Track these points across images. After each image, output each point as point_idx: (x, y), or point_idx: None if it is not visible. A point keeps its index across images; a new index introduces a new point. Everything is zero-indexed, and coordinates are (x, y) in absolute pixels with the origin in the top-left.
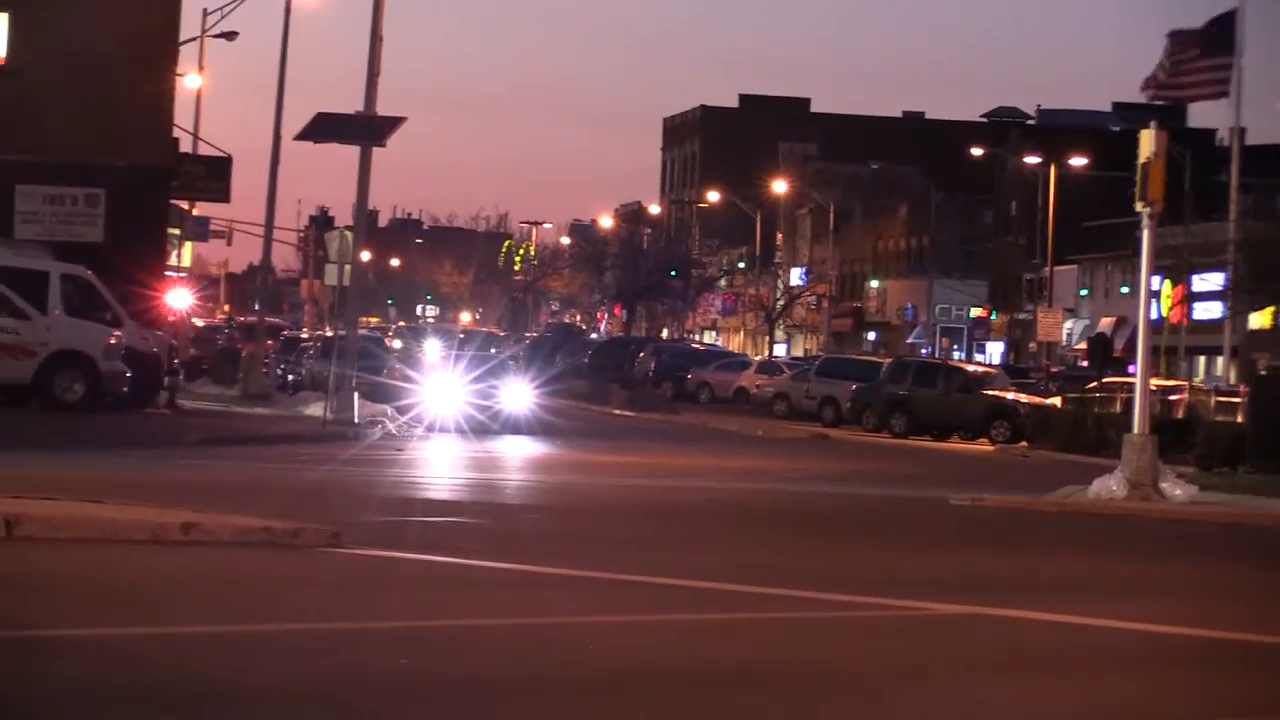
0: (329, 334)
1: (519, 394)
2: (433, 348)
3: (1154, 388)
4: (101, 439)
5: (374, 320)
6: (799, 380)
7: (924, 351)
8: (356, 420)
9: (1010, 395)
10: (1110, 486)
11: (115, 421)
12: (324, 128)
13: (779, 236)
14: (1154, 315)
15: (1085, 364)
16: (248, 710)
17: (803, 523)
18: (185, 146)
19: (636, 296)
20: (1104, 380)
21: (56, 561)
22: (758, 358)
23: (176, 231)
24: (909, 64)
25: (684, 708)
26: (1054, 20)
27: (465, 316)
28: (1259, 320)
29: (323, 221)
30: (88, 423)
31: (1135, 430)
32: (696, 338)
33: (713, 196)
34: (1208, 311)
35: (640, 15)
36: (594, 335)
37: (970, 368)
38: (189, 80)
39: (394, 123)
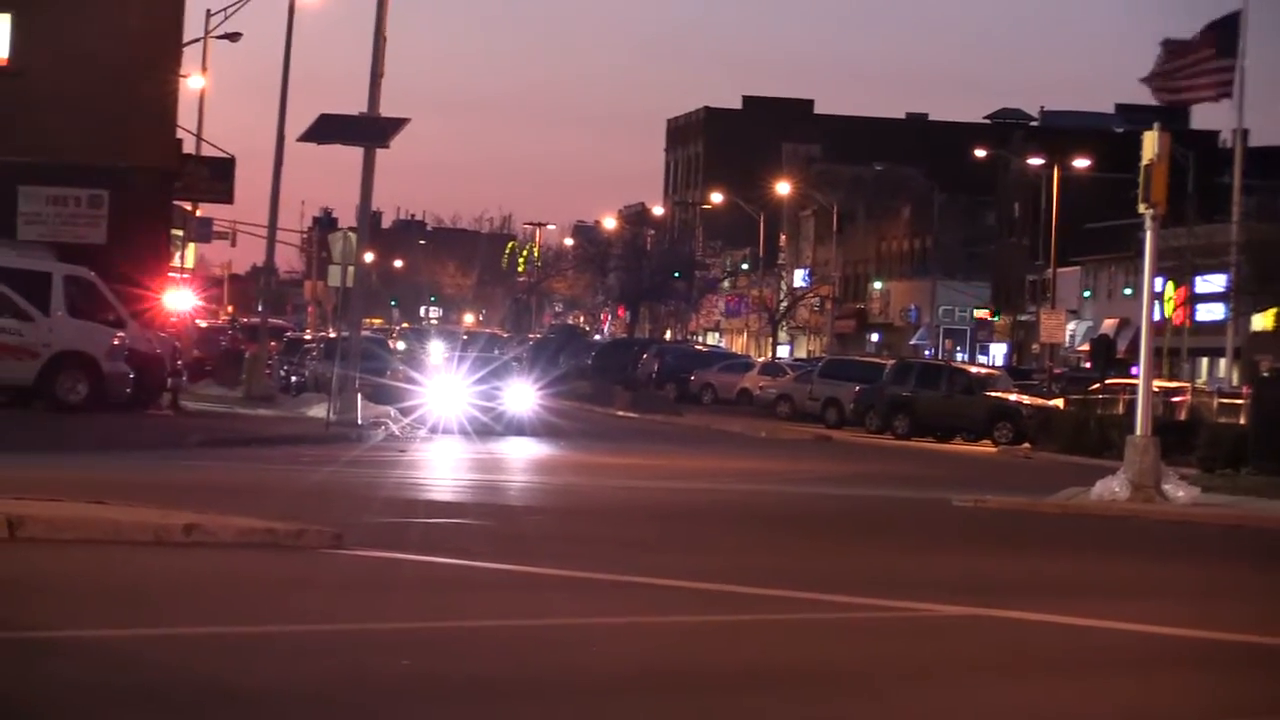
0: (332, 335)
1: (522, 395)
2: (436, 349)
3: (1156, 389)
4: (104, 440)
5: (377, 322)
6: (802, 382)
7: (927, 353)
8: (359, 421)
9: (1013, 397)
10: (1113, 488)
11: (118, 422)
12: (327, 129)
13: (782, 238)
14: (1157, 317)
15: (1088, 365)
16: (250, 711)
17: (806, 524)
18: (188, 148)
19: (640, 298)
20: (1107, 382)
21: (59, 563)
22: (761, 359)
23: (179, 233)
24: (912, 65)
25: (687, 709)
26: (1057, 22)
27: (469, 318)
28: (1261, 322)
29: (326, 223)
30: (90, 424)
31: (1138, 432)
32: (700, 339)
33: (716, 198)
34: (1210, 313)
35: (643, 17)
36: (597, 337)
37: (973, 369)
38: (192, 81)
39: (397, 124)
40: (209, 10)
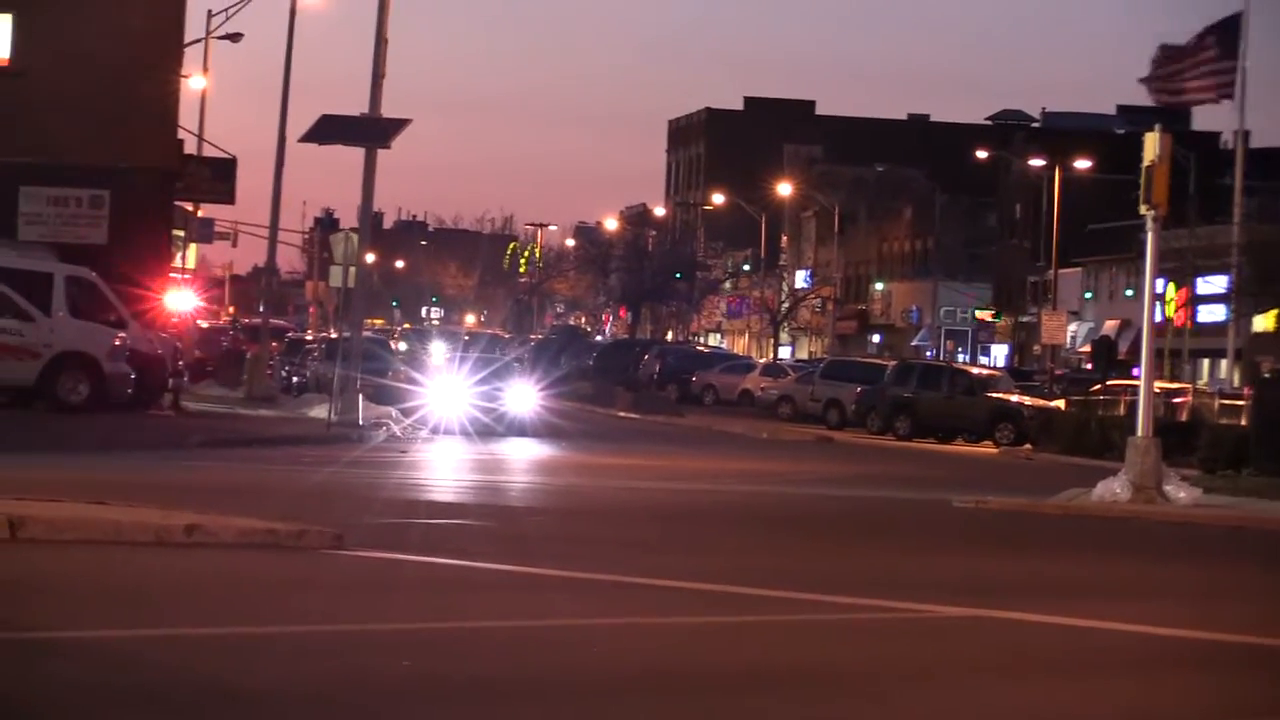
0: (333, 336)
1: (524, 396)
2: (438, 350)
3: (1158, 390)
4: (105, 440)
5: (379, 322)
6: (804, 383)
7: (928, 354)
8: (361, 422)
9: (1014, 398)
10: (1114, 489)
11: (119, 423)
12: (329, 130)
13: (784, 239)
14: (1158, 318)
15: (1089, 367)
16: (251, 712)
17: (807, 525)
18: (190, 148)
19: (641, 299)
20: (1108, 383)
21: (60, 563)
22: (762, 360)
23: (181, 233)
24: (914, 66)
25: (688, 710)
26: (1058, 23)
27: (470, 319)
28: (1263, 323)
29: (327, 223)
30: (92, 424)
31: (1139, 433)
32: (701, 340)
33: (717, 199)
34: (1212, 314)
35: (645, 18)
36: (599, 337)
37: (974, 370)
38: (193, 82)
39: (399, 125)
40: (210, 11)
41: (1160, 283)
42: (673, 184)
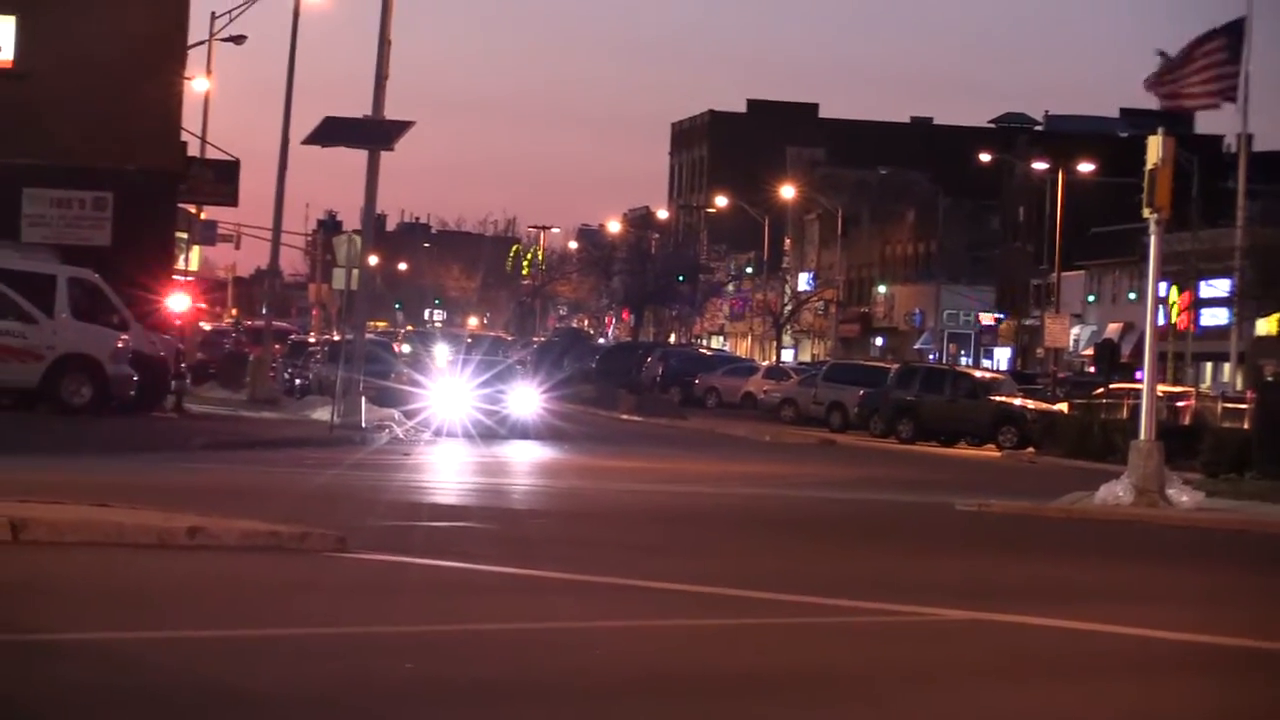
0: (336, 338)
1: (526, 399)
2: (441, 352)
3: (1161, 394)
4: (108, 443)
5: (381, 325)
6: (806, 385)
7: (931, 357)
8: (364, 425)
9: (1017, 401)
10: (1117, 493)
11: (122, 425)
12: (332, 132)
13: (787, 242)
14: (1161, 321)
15: (1092, 370)
16: (254, 714)
17: (809, 528)
18: (193, 150)
19: (644, 301)
20: (1111, 386)
21: (63, 565)
22: (765, 363)
23: (184, 235)
24: (917, 69)
25: (689, 713)
26: (1062, 26)
27: (473, 321)
28: (1266, 326)
29: (330, 226)
30: (94, 426)
31: (1142, 436)
32: (704, 343)
33: (720, 201)
34: (1215, 317)
35: (648, 20)
36: (602, 340)
37: (977, 373)
38: (197, 84)
39: (402, 127)
40: (214, 13)
41: (1163, 286)
42: (676, 186)
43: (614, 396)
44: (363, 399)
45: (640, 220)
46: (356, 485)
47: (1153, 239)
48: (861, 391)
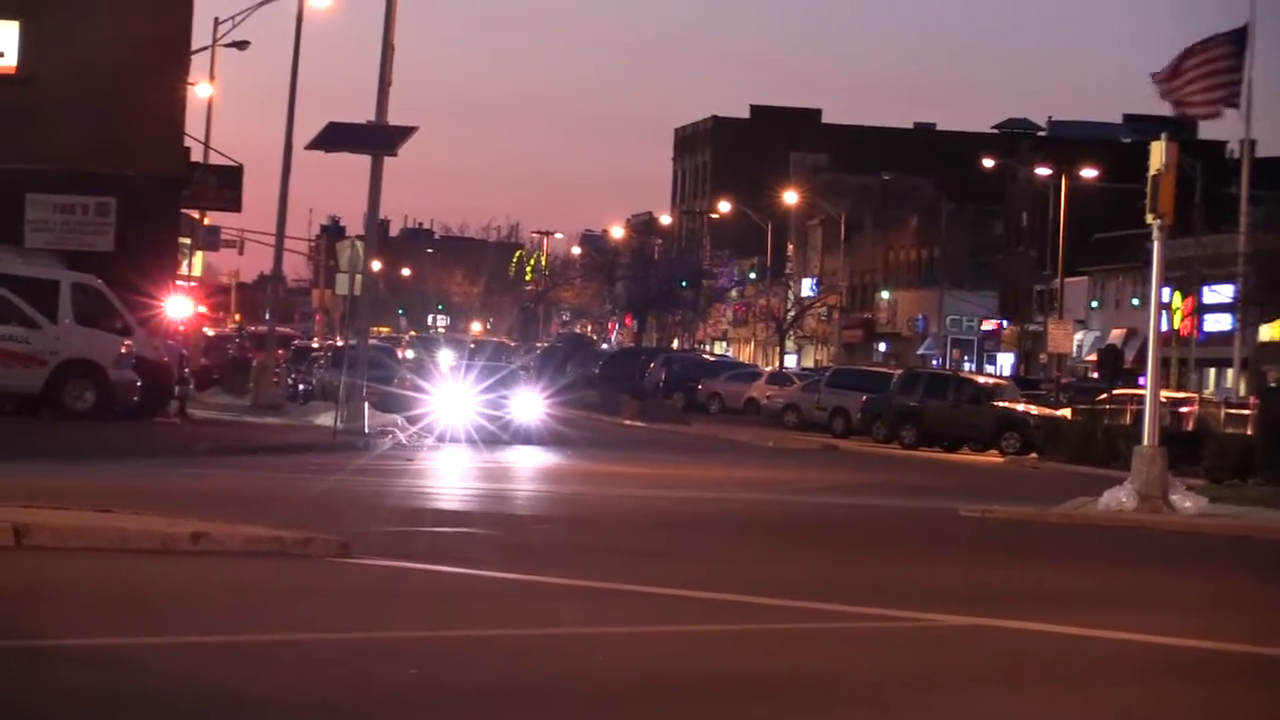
0: (340, 343)
1: (530, 404)
2: (445, 358)
3: (1164, 400)
4: (111, 448)
5: (385, 330)
6: (809, 391)
7: (934, 363)
8: (367, 430)
9: (1020, 407)
10: (1120, 498)
11: (125, 430)
12: (335, 137)
13: (790, 247)
14: (1164, 327)
15: (1095, 376)
16: (257, 719)
17: (812, 534)
18: (196, 156)
19: (647, 307)
20: (1114, 392)
21: (66, 571)
22: (768, 369)
23: (187, 241)
24: (920, 75)
25: (692, 718)
26: (1065, 33)
27: (476, 326)
28: (1269, 332)
29: (334, 231)
30: (98, 432)
31: (1145, 442)
32: (707, 348)
33: (724, 207)
34: (1218, 323)
35: (652, 26)
36: (605, 345)
37: (980, 379)
38: (200, 89)
39: (405, 132)
40: (217, 18)
41: (1166, 292)
42: (679, 192)
43: (617, 402)
44: (366, 404)
45: (643, 226)
46: (359, 491)
47: (1156, 244)
48: (864, 397)
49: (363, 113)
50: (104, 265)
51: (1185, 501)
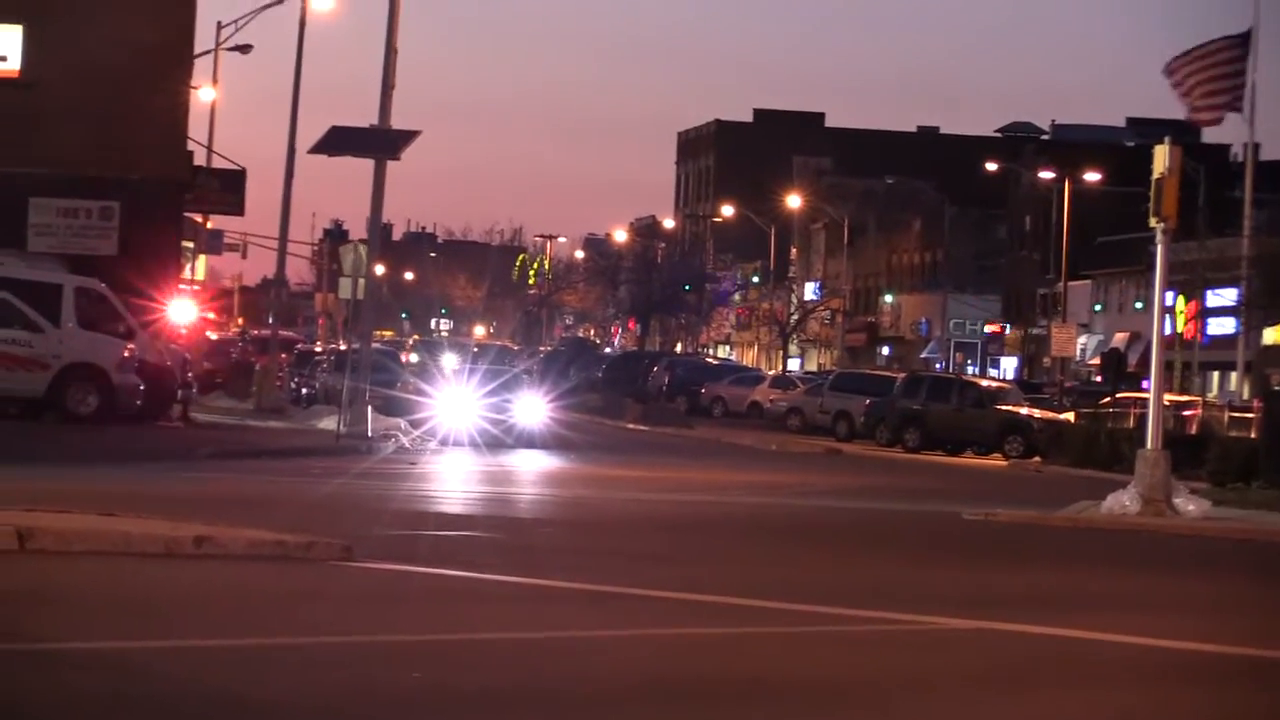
0: (343, 347)
1: (533, 408)
2: (448, 362)
3: (1167, 403)
4: (114, 452)
5: (388, 334)
6: (813, 395)
7: (938, 366)
8: (370, 434)
9: (1024, 410)
10: (1123, 502)
11: (128, 434)
12: (338, 141)
13: (793, 251)
14: (1168, 331)
15: (1099, 379)
16: None
17: (814, 537)
18: (199, 160)
19: (650, 311)
20: (1117, 395)
21: (69, 574)
22: (771, 372)
23: (190, 244)
24: (923, 79)
25: None
26: (1068, 36)
27: (479, 330)
28: (1272, 335)
29: (337, 235)
30: (101, 435)
31: (1148, 445)
32: (710, 352)
33: (727, 211)
34: (1221, 327)
35: (654, 28)
36: (608, 349)
37: (984, 383)
38: (203, 93)
39: (408, 136)
40: (220, 22)
41: (1170, 295)
42: (682, 196)
43: (620, 406)
44: (369, 408)
45: (647, 229)
46: (363, 494)
47: (1159, 248)
48: (868, 401)
49: (366, 116)
50: (107, 269)
51: (1189, 505)
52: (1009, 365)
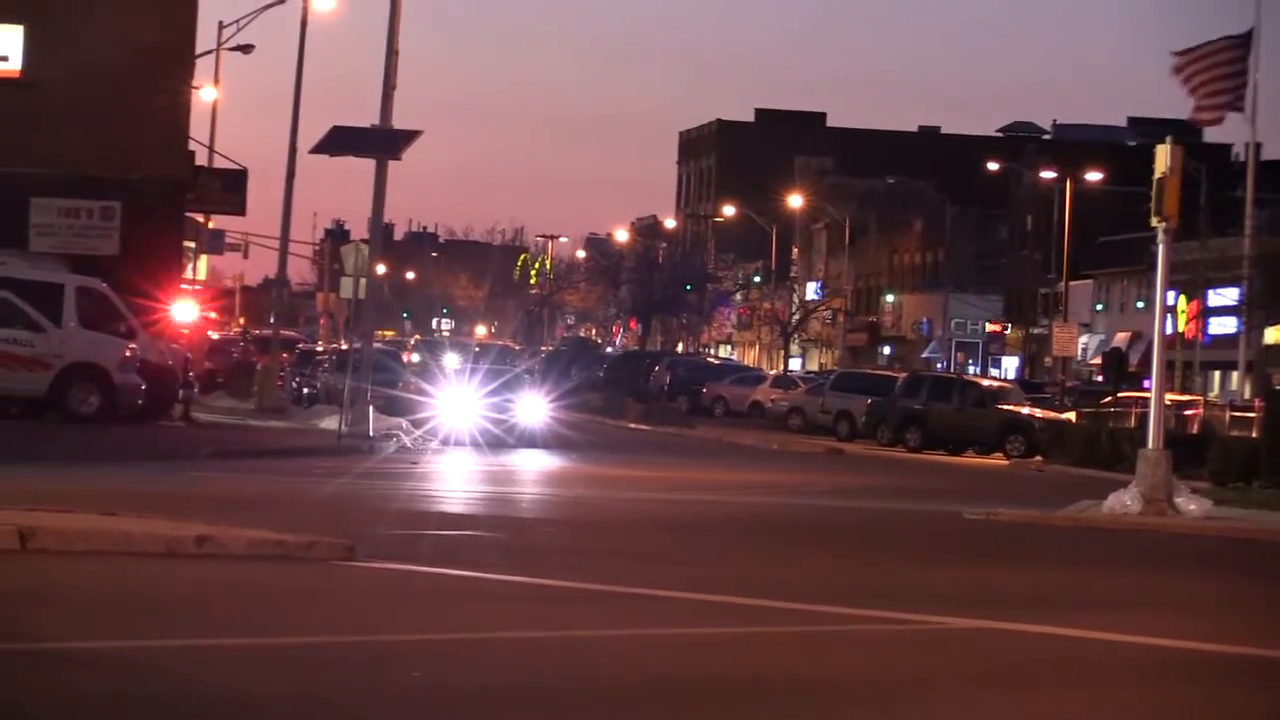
0: (344, 347)
1: (534, 408)
2: (449, 361)
3: (1169, 403)
4: (115, 451)
5: (389, 334)
6: (814, 394)
7: (939, 366)
8: (371, 434)
9: (1025, 410)
10: (1124, 501)
11: (130, 434)
12: (340, 141)
13: (794, 251)
14: (1169, 330)
15: (1100, 379)
16: None
17: (816, 537)
18: (201, 159)
19: (652, 310)
20: (1119, 395)
21: (71, 574)
22: (773, 372)
23: (192, 244)
24: (925, 78)
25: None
26: (1070, 36)
27: (481, 330)
28: (1274, 335)
29: (338, 235)
30: (102, 435)
31: (1150, 445)
32: (712, 352)
33: (728, 210)
34: (1223, 326)
35: (656, 29)
36: (609, 349)
37: (985, 382)
38: (204, 93)
39: (410, 136)
40: (221, 22)
41: (1171, 295)
42: (683, 196)
43: (621, 405)
44: (370, 408)
45: (648, 229)
46: (364, 494)
47: (1161, 248)
48: (869, 400)
49: (367, 116)
50: (108, 269)
51: (1190, 504)
52: (1010, 365)
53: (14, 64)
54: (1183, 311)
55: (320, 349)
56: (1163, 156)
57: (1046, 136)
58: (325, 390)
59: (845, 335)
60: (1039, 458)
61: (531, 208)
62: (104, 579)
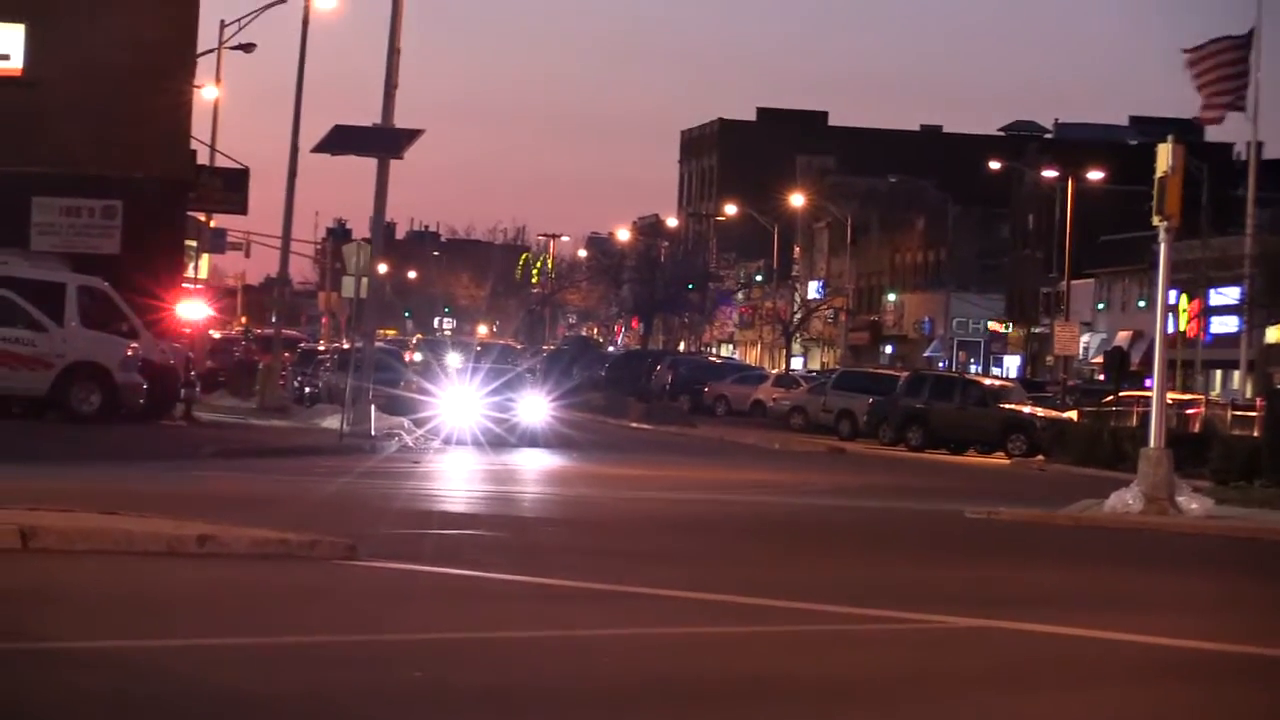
0: (346, 346)
1: (536, 407)
2: (451, 360)
3: (1170, 402)
4: (117, 451)
5: (391, 333)
6: (816, 393)
7: (941, 365)
8: (373, 433)
9: (1027, 409)
10: (1126, 500)
11: (131, 433)
12: (341, 140)
13: (796, 250)
14: (1171, 329)
15: (1102, 378)
16: None
17: (817, 536)
18: (202, 158)
19: (654, 309)
20: (1120, 394)
21: (73, 573)
22: (774, 371)
23: (193, 243)
24: (926, 77)
25: (697, 719)
26: (1072, 35)
27: (482, 329)
28: (1275, 334)
29: (340, 234)
30: (104, 434)
31: (1151, 444)
32: (713, 351)
33: (730, 210)
34: (1224, 325)
35: (658, 28)
36: (611, 348)
37: (987, 381)
38: (206, 92)
39: (411, 135)
40: (223, 21)
41: (1173, 294)
42: (685, 195)
43: (623, 404)
44: (372, 407)
45: (650, 228)
46: (366, 493)
47: (1162, 247)
48: (871, 399)
49: (369, 114)
50: (110, 268)
51: (1191, 503)
52: (1012, 364)
53: (16, 63)
54: (1184, 310)
55: (322, 348)
56: (1164, 155)
57: (1048, 135)
58: (327, 389)
59: (847, 334)
60: (1040, 457)
61: (533, 207)
62: (106, 578)
